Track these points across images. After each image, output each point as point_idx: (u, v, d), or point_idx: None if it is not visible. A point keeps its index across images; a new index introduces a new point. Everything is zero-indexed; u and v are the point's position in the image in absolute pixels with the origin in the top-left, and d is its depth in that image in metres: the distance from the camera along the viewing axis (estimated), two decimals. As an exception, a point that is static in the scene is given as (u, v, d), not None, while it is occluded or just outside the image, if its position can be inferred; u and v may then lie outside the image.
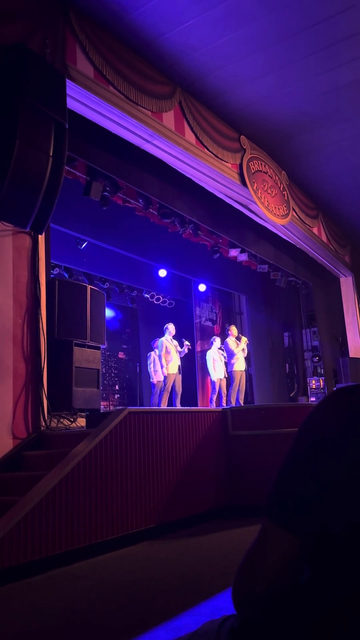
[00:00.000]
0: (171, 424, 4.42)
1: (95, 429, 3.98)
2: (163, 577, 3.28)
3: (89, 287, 5.29)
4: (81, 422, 4.76)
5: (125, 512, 3.97)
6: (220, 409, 5.09)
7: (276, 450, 4.97)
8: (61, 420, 4.52)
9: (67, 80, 4.70)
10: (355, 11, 5.38)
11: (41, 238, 4.64)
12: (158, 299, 11.08)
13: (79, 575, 3.31)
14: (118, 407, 10.97)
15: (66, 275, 9.00)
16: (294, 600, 0.69)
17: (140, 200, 7.17)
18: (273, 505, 0.72)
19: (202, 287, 10.92)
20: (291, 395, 11.45)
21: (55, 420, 4.51)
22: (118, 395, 11.19)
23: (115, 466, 3.94)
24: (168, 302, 11.34)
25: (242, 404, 9.01)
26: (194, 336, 10.88)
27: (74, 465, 3.64)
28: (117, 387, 11.26)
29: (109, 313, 10.65)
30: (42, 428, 4.33)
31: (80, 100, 5.11)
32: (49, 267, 5.01)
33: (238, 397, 8.83)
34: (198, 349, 10.69)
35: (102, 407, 10.54)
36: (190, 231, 8.09)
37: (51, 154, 3.69)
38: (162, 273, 9.96)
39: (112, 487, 3.89)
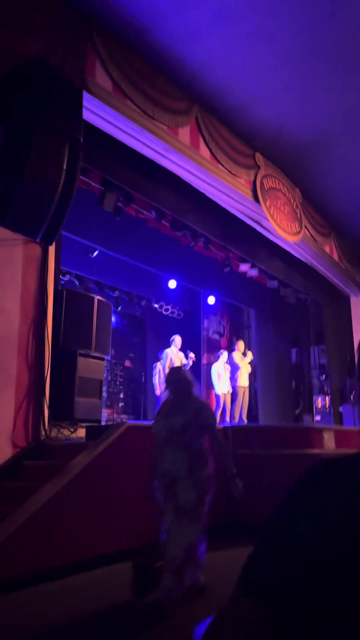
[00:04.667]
0: (171, 440, 4.40)
1: (94, 441, 3.98)
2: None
3: (96, 298, 5.32)
4: (81, 432, 4.77)
5: (121, 527, 3.96)
6: (221, 427, 5.06)
7: (277, 471, 4.93)
8: (61, 430, 4.53)
9: (85, 93, 4.76)
10: (375, 34, 5.39)
11: (51, 248, 4.68)
12: (167, 310, 11.08)
13: (72, 590, 3.30)
14: (121, 416, 10.97)
15: (77, 282, 9.05)
16: None
17: (153, 212, 7.20)
18: (248, 577, 0.70)
19: (211, 300, 10.92)
20: (296, 412, 11.36)
21: (56, 430, 4.52)
22: (122, 404, 11.18)
23: (112, 480, 3.93)
24: (177, 313, 11.34)
25: (245, 420, 8.96)
26: (200, 348, 10.86)
27: (71, 478, 3.64)
28: (121, 396, 11.26)
29: (117, 321, 10.69)
30: (42, 437, 4.34)
31: (98, 113, 5.16)
32: (58, 277, 5.05)
33: (241, 413, 8.78)
34: (204, 361, 10.67)
35: (105, 414, 10.56)
36: (202, 244, 8.10)
37: (64, 168, 3.73)
38: (172, 284, 9.97)
39: (109, 501, 3.88)
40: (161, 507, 3.21)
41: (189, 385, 3.42)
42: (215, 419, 3.45)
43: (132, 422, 4.14)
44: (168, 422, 3.25)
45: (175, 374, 3.56)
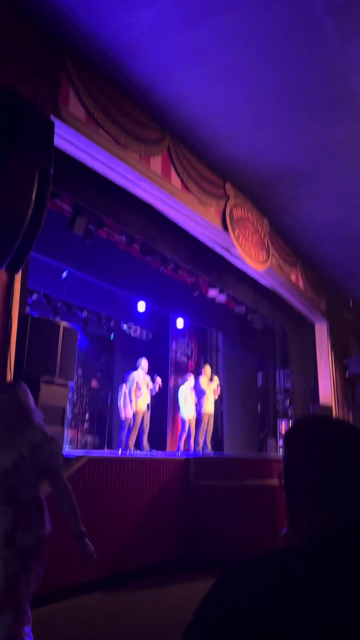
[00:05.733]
0: (131, 471, 4.39)
1: (54, 473, 3.93)
2: (107, 634, 3.22)
3: (62, 324, 5.29)
4: (42, 461, 4.69)
5: (77, 561, 3.90)
6: (183, 458, 5.08)
7: (237, 503, 4.96)
8: (21, 459, 4.44)
9: (57, 121, 4.80)
10: (342, 79, 5.63)
11: (18, 274, 4.64)
12: (135, 331, 11.09)
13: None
14: (86, 437, 10.82)
15: (45, 301, 8.98)
16: None
17: (124, 236, 7.25)
18: None
19: (179, 323, 10.99)
20: (261, 436, 11.46)
21: (15, 459, 4.43)
22: (87, 425, 11.06)
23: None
24: (145, 334, 11.36)
25: (210, 445, 8.99)
26: (168, 370, 10.88)
27: (28, 511, 3.57)
28: (87, 416, 11.14)
29: (84, 341, 10.61)
30: (1, 467, 4.24)
31: (70, 141, 5.20)
32: (23, 303, 5.01)
33: (206, 438, 8.81)
34: (172, 384, 10.68)
35: (69, 435, 10.41)
36: (171, 269, 8.19)
37: (34, 198, 3.74)
38: (141, 306, 10.00)
39: (66, 534, 3.83)
40: None
41: (24, 410, 2.51)
42: (59, 460, 2.60)
43: (92, 455, 4.11)
44: None
45: (4, 391, 2.66)
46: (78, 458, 4.01)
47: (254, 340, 11.67)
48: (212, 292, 9.15)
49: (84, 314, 9.84)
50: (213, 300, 9.43)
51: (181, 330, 11.30)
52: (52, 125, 4.14)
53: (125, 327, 10.79)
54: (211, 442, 9.14)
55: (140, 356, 9.02)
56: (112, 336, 11.01)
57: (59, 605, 3.67)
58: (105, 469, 4.15)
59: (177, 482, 4.84)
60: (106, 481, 4.18)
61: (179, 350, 11.35)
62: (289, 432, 1.02)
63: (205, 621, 0.73)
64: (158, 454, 6.11)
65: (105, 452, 8.36)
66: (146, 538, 4.49)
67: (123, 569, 4.29)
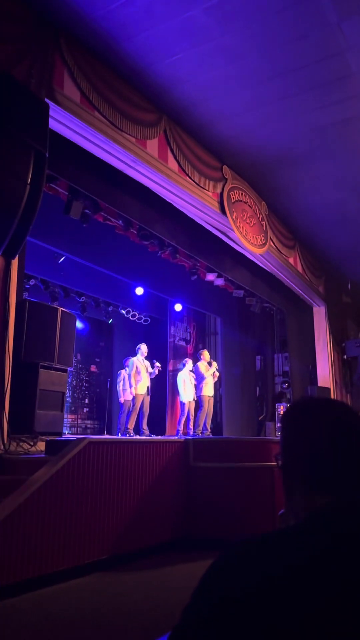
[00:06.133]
0: (131, 454, 4.43)
1: (55, 457, 3.97)
2: (108, 615, 3.27)
3: (60, 309, 5.29)
4: (42, 445, 4.73)
5: (79, 542, 3.96)
6: (182, 439, 5.12)
7: (236, 484, 5.02)
8: (21, 444, 4.49)
9: (52, 103, 4.74)
10: (340, 58, 5.55)
11: (14, 259, 4.62)
12: (134, 316, 11.09)
13: (23, 610, 3.28)
14: (86, 422, 10.89)
15: (42, 287, 8.96)
16: None
17: (121, 221, 7.21)
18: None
19: (178, 307, 10.98)
20: (260, 419, 11.54)
21: (15, 444, 4.47)
22: (87, 409, 11.12)
23: (72, 496, 3.93)
24: (144, 319, 11.36)
25: (209, 428, 9.06)
26: (167, 355, 10.91)
27: (30, 494, 3.62)
28: (86, 401, 11.19)
29: (84, 325, 10.62)
30: (1, 452, 4.29)
31: (65, 124, 5.14)
32: (21, 288, 5.00)
33: (206, 421, 8.87)
34: (170, 368, 10.72)
35: (69, 420, 10.48)
36: (169, 253, 8.16)
37: (29, 182, 3.71)
38: (139, 291, 9.99)
39: (68, 517, 3.88)
40: None
41: None
42: None
43: (92, 438, 4.15)
44: None
45: None
46: (79, 440, 4.05)
47: (252, 324, 11.69)
48: (210, 276, 9.13)
49: (82, 299, 9.82)
50: (211, 284, 9.42)
51: (179, 314, 11.30)
52: (47, 107, 4.08)
53: (123, 312, 10.78)
54: (211, 425, 9.22)
55: (139, 341, 9.04)
56: (110, 321, 11.01)
57: (59, 587, 3.73)
58: (105, 452, 4.19)
59: (177, 464, 4.89)
60: (106, 464, 4.22)
61: (177, 334, 11.37)
62: (286, 412, 1.02)
63: (203, 601, 0.74)
64: (158, 437, 6.16)
65: (105, 436, 8.44)
66: (146, 519, 4.55)
67: (123, 550, 4.35)
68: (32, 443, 4.59)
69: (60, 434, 4.98)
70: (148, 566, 4.33)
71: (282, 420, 1.03)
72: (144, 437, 5.46)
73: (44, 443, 4.66)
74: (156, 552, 4.62)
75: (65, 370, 5.18)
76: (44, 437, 4.71)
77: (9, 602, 3.35)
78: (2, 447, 4.31)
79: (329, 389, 10.12)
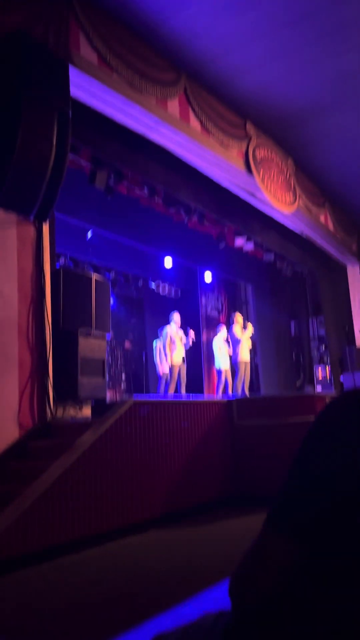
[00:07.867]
0: (176, 414, 4.43)
1: (100, 419, 4.00)
2: (169, 566, 3.31)
3: (94, 276, 5.28)
4: (87, 411, 4.78)
5: (130, 501, 4.00)
6: (225, 400, 5.09)
7: (280, 441, 4.97)
8: (67, 409, 4.54)
9: (70, 67, 4.65)
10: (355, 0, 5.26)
11: (45, 229, 4.62)
12: (164, 289, 11.05)
13: (85, 563, 3.34)
14: (124, 396, 11.02)
15: (72, 265, 9.00)
16: (289, 607, 0.68)
17: (145, 190, 7.12)
18: (277, 515, 0.70)
19: (207, 277, 10.88)
20: (298, 384, 11.44)
21: (61, 410, 4.53)
22: (125, 385, 11.23)
23: (120, 456, 3.96)
24: (174, 291, 11.31)
25: (247, 394, 9.02)
26: (199, 326, 10.86)
27: (79, 455, 3.66)
28: (123, 377, 11.30)
29: (114, 303, 10.66)
30: (48, 418, 4.35)
31: (84, 87, 5.04)
32: (53, 258, 5.01)
33: (243, 386, 8.83)
34: (204, 338, 10.68)
35: (108, 396, 10.60)
36: (196, 220, 8.03)
37: (55, 142, 3.67)
38: (168, 262, 9.92)
39: (117, 477, 3.92)
40: None
41: None
42: None
43: (136, 398, 4.16)
44: None
45: None
46: (123, 402, 4.06)
47: (284, 289, 11.50)
48: (239, 241, 8.97)
49: (112, 274, 9.83)
50: (240, 250, 9.26)
51: (210, 284, 11.20)
52: (67, 66, 4.01)
53: (153, 285, 10.74)
54: (249, 391, 9.17)
55: (170, 315, 8.99)
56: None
57: (118, 543, 3.79)
58: (150, 412, 4.20)
59: (222, 423, 4.88)
60: (152, 424, 4.23)
61: (208, 305, 11.29)
62: (321, 415, 0.78)
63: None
64: (201, 397, 6.16)
65: (149, 396, 8.46)
66: (194, 478, 4.57)
67: (175, 509, 4.39)
68: (77, 409, 4.64)
69: (104, 399, 5.02)
70: (201, 522, 4.36)
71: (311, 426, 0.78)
72: (187, 399, 5.47)
73: (89, 409, 4.71)
74: (207, 509, 4.64)
75: (103, 338, 5.19)
76: (88, 402, 4.75)
77: (70, 558, 3.41)
78: (49, 413, 4.37)
79: (367, 349, 9.90)
